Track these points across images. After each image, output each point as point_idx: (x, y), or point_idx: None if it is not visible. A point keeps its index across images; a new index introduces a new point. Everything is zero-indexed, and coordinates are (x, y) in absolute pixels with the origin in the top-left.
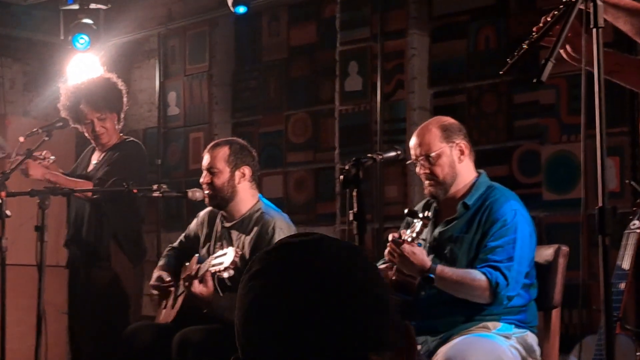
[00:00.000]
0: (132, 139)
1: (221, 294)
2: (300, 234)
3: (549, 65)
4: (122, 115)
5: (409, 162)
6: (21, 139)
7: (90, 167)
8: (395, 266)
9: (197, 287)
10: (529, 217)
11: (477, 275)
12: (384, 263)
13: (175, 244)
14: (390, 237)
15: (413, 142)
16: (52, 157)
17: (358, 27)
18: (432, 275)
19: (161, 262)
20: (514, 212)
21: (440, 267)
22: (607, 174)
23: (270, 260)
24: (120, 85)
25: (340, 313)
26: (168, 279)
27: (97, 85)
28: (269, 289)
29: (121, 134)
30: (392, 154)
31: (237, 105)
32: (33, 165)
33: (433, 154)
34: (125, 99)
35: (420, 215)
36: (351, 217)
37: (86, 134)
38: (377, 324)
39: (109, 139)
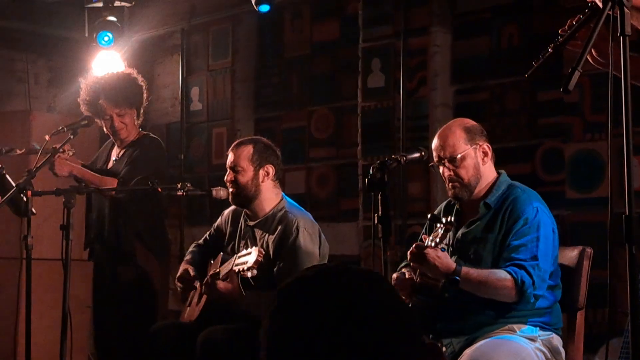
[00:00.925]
0: (151, 134)
1: (244, 293)
2: (316, 266)
3: (576, 75)
4: (142, 111)
5: (431, 164)
6: (47, 137)
7: (110, 164)
8: (418, 270)
9: (222, 285)
10: (550, 215)
11: (502, 275)
12: (406, 265)
13: (201, 241)
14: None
15: (436, 143)
16: (72, 151)
17: (381, 24)
18: (457, 278)
19: (187, 257)
20: (536, 210)
21: (465, 269)
22: (633, 173)
23: (288, 297)
24: (141, 80)
25: (366, 345)
26: (193, 273)
27: (116, 80)
28: (289, 327)
29: (140, 130)
30: (416, 155)
31: (260, 100)
32: (60, 162)
33: (458, 156)
34: (145, 95)
35: (443, 220)
36: (376, 220)
37: (105, 129)
38: (405, 350)
39: (128, 134)
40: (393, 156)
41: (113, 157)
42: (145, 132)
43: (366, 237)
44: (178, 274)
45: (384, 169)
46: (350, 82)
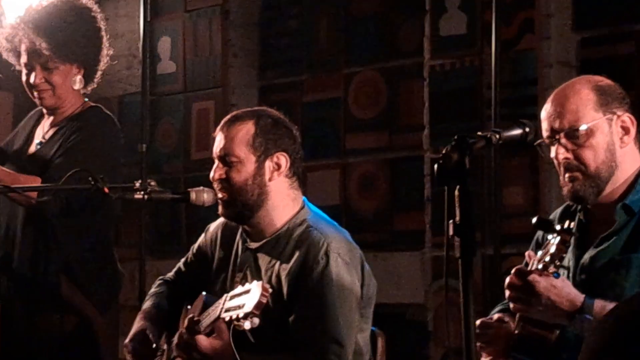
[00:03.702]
0: (101, 108)
1: (238, 357)
2: None
3: None
4: (98, 73)
5: (538, 142)
6: None
7: (33, 147)
8: (518, 313)
9: (204, 343)
10: None
11: None
12: (501, 310)
13: (170, 274)
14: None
15: (548, 110)
16: None
17: None
18: (588, 317)
19: (146, 305)
20: None
21: (600, 303)
22: None
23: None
24: (100, 18)
25: None
26: (153, 338)
27: (54, 13)
28: None
29: (86, 100)
30: (517, 131)
31: (268, 58)
32: None
33: (582, 128)
34: (104, 44)
35: (558, 227)
36: (451, 231)
37: (24, 85)
38: None
39: (59, 102)
40: (480, 133)
41: (37, 139)
42: (94, 104)
43: (436, 274)
44: (128, 338)
45: (463, 149)
46: (412, 28)
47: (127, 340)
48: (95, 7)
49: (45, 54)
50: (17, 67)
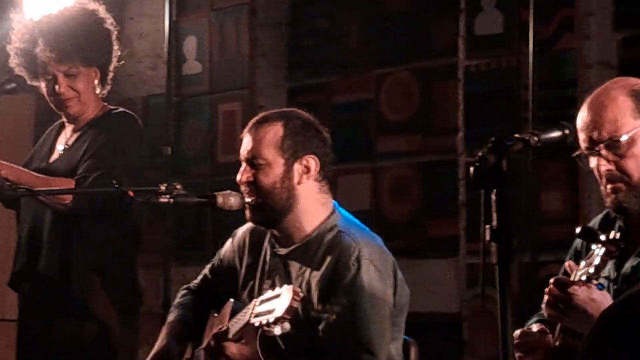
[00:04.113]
0: (122, 110)
1: None
2: None
3: None
4: (110, 74)
5: (576, 153)
6: None
7: (55, 155)
8: (559, 324)
9: (233, 350)
10: None
11: None
12: (538, 320)
13: (196, 282)
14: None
15: (584, 119)
16: None
17: None
18: None
19: (170, 318)
20: None
21: None
22: None
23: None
24: (110, 23)
25: None
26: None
27: (68, 19)
28: None
29: (105, 104)
30: (556, 134)
31: (297, 58)
32: None
33: (623, 139)
34: (115, 47)
35: (602, 237)
36: (487, 236)
37: (47, 98)
38: None
39: (83, 108)
40: (517, 135)
41: (60, 145)
42: (114, 107)
43: (471, 282)
44: (151, 355)
45: (500, 152)
46: (445, 27)
47: (149, 357)
48: (102, 10)
49: (67, 59)
50: (30, 82)
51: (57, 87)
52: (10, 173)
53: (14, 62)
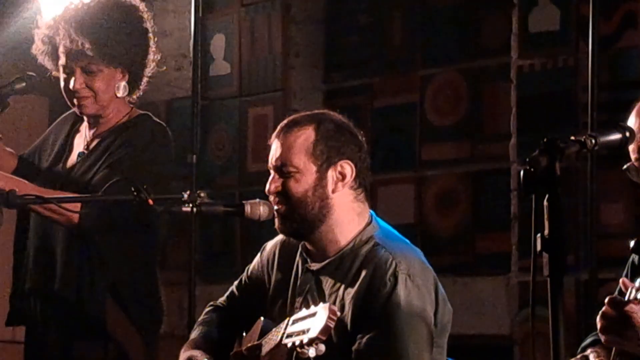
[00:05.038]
0: (148, 114)
1: None
2: None
3: None
4: (144, 80)
5: (626, 166)
6: None
7: (73, 158)
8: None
9: None
10: None
11: None
12: (592, 341)
13: (222, 299)
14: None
15: (636, 126)
16: None
17: None
18: None
19: (194, 335)
20: None
21: None
22: None
23: None
24: (147, 17)
25: None
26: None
27: (99, 10)
28: None
29: (132, 107)
30: (616, 136)
31: (334, 58)
32: None
33: None
34: (152, 47)
35: None
36: (538, 246)
37: (63, 94)
38: None
39: (101, 111)
40: (573, 137)
41: (78, 149)
42: (143, 112)
43: (524, 302)
44: None
45: (553, 155)
46: (496, 24)
47: None
48: (142, 6)
49: (87, 54)
50: (54, 73)
51: (72, 82)
52: (13, 185)
53: (38, 49)
